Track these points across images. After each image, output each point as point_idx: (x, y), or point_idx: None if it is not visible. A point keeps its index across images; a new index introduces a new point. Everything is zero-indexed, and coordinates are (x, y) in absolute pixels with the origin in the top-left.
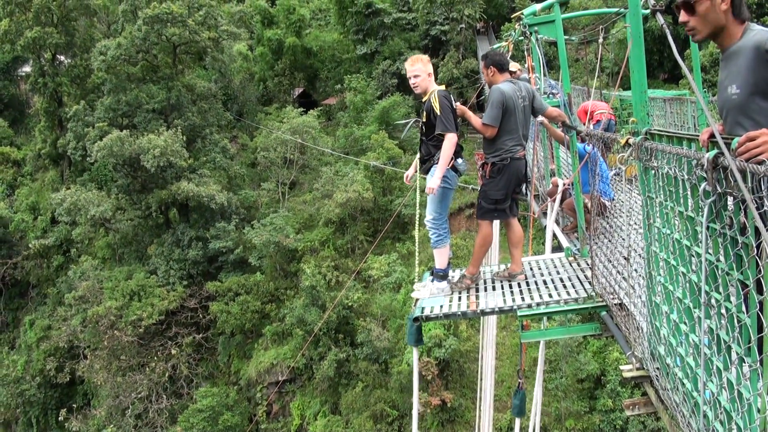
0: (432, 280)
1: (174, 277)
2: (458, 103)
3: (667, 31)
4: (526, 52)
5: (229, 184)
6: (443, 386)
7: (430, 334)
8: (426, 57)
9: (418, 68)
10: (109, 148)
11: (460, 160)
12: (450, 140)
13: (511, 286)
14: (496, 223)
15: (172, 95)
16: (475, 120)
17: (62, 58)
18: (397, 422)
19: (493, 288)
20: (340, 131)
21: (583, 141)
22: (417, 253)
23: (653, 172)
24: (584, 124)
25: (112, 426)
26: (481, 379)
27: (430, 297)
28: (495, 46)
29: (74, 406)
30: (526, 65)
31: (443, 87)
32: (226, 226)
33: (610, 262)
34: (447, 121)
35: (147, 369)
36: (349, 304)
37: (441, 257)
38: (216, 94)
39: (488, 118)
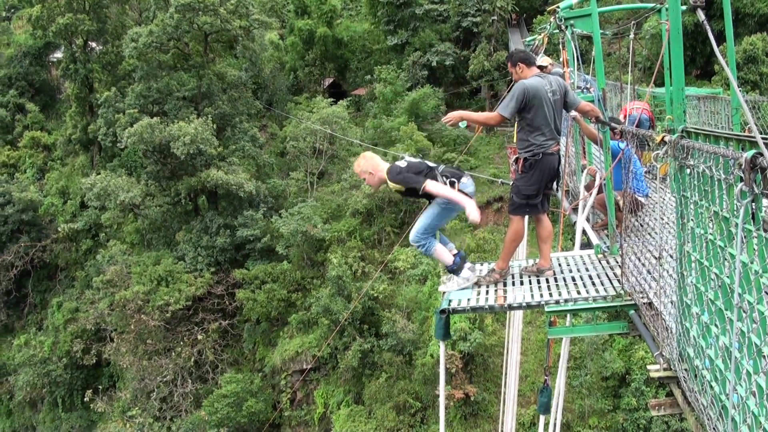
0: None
1: (201, 264)
2: (454, 113)
3: (708, 27)
4: (560, 46)
5: (257, 172)
6: (467, 380)
7: (456, 327)
8: (366, 154)
9: (361, 170)
10: (140, 135)
11: (464, 180)
12: (428, 186)
13: (539, 282)
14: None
15: (203, 83)
16: (477, 116)
17: (94, 44)
18: (420, 414)
19: (521, 283)
20: (369, 122)
21: (616, 138)
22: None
23: (688, 170)
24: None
25: (137, 408)
26: (505, 374)
27: (458, 289)
28: (527, 40)
29: (100, 387)
30: (560, 59)
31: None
32: (254, 215)
33: (640, 260)
34: (415, 183)
35: (173, 353)
36: (375, 295)
37: (442, 257)
38: (246, 82)
39: (501, 107)
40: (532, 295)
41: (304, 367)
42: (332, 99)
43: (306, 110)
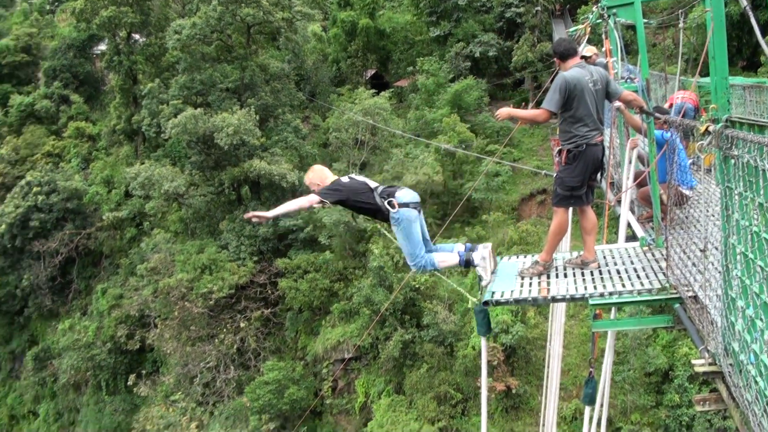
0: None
1: (244, 253)
2: (503, 110)
3: (752, 16)
4: (603, 36)
5: (300, 163)
6: (509, 372)
7: (498, 320)
8: (315, 167)
9: (310, 182)
10: (183, 126)
11: (398, 193)
12: (312, 198)
13: (583, 274)
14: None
15: (246, 75)
16: (525, 113)
17: (137, 36)
18: (460, 405)
19: (565, 275)
20: (411, 113)
21: (661, 128)
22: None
23: (733, 161)
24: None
25: (180, 393)
26: (547, 367)
27: (500, 280)
28: (570, 30)
29: (143, 372)
30: (603, 49)
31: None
32: None
33: (686, 253)
34: (323, 195)
35: (216, 340)
36: (416, 286)
37: (447, 262)
38: (289, 74)
39: (546, 102)
40: (576, 288)
41: (346, 356)
42: (374, 90)
43: (348, 101)
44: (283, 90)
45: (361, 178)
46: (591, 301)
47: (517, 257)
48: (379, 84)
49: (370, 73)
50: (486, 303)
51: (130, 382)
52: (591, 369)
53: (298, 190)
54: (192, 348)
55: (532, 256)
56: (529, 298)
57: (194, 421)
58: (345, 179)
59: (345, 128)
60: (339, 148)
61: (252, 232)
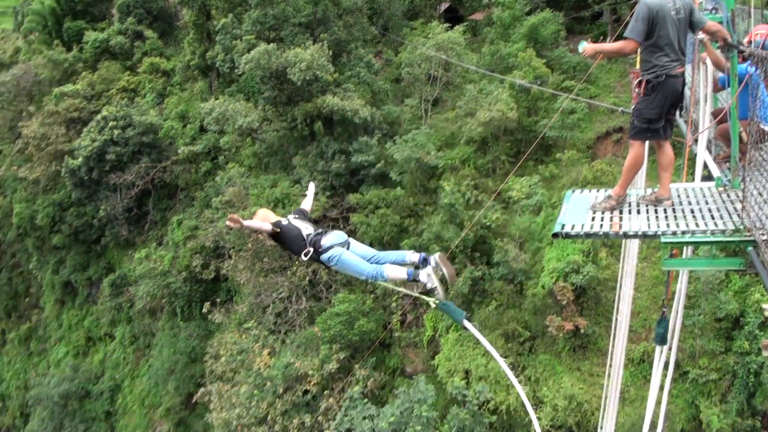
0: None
1: (317, 188)
2: (588, 46)
3: None
4: None
5: (372, 99)
6: (578, 312)
7: (568, 259)
8: (260, 211)
9: (259, 218)
10: (257, 61)
11: (323, 240)
12: (247, 223)
13: (656, 212)
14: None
15: (319, 9)
16: (611, 47)
17: None
18: (528, 343)
19: (638, 212)
20: (485, 48)
21: (745, 60)
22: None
23: None
24: None
25: (252, 321)
26: (617, 309)
27: (571, 214)
28: None
29: (217, 300)
30: None
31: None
32: (368, 141)
33: (762, 195)
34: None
35: (288, 272)
36: (487, 223)
37: (395, 275)
38: (362, 8)
39: (629, 31)
40: (649, 225)
41: (415, 290)
42: (448, 24)
43: (421, 36)
44: (356, 24)
45: (297, 223)
46: (663, 239)
47: (589, 191)
48: (453, 17)
49: (444, 6)
50: (555, 235)
51: (204, 310)
52: (663, 309)
53: (369, 126)
54: (265, 279)
55: (605, 190)
56: (600, 233)
57: (266, 348)
58: (284, 221)
59: (418, 63)
60: (411, 84)
61: (324, 168)
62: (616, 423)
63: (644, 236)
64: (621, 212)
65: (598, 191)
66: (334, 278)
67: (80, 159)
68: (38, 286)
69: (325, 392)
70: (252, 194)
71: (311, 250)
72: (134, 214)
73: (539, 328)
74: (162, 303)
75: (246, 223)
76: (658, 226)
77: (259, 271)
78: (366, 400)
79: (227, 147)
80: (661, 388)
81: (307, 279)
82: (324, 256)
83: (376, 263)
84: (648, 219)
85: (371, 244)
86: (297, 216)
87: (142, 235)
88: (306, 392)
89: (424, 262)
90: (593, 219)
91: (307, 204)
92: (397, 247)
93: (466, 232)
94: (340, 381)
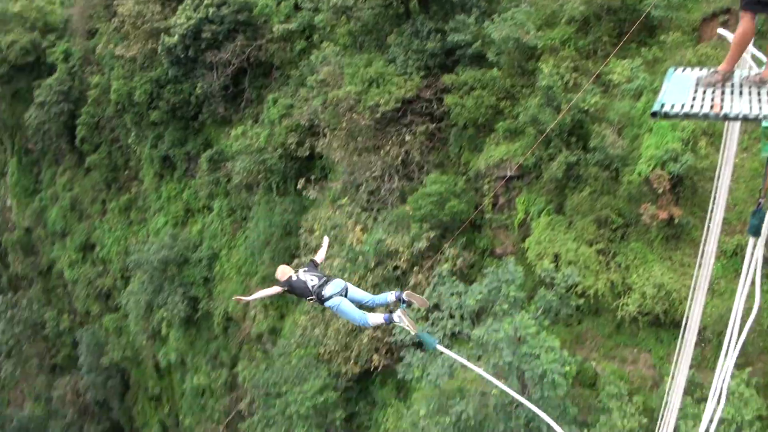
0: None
1: (411, 68)
2: None
3: None
4: None
5: None
6: (673, 202)
7: (667, 147)
8: (279, 268)
9: (277, 275)
10: None
11: (325, 290)
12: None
13: (759, 94)
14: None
15: None
16: None
17: None
18: (621, 230)
19: (741, 93)
20: None
21: None
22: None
23: None
24: None
25: (346, 198)
26: (713, 199)
27: (671, 93)
28: None
29: (312, 177)
30: None
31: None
32: (465, 19)
33: None
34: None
35: (381, 151)
36: (585, 107)
37: (375, 321)
38: None
39: None
40: (751, 108)
41: (508, 173)
42: None
43: None
44: None
45: (305, 276)
46: (765, 123)
47: (692, 69)
48: None
49: None
50: (654, 114)
51: (299, 186)
52: (760, 200)
53: (467, 3)
54: (358, 158)
55: (710, 68)
56: (700, 113)
57: (359, 224)
58: (294, 277)
59: None
60: None
61: (419, 47)
62: (704, 313)
63: (745, 119)
64: (723, 93)
65: (701, 69)
66: (427, 159)
67: (176, 37)
68: (137, 159)
69: (415, 268)
70: (346, 73)
71: (315, 298)
72: (230, 92)
73: (633, 216)
74: (258, 178)
75: (252, 297)
76: (761, 109)
77: (353, 149)
78: (454, 277)
79: (322, 25)
80: (753, 282)
81: (400, 159)
82: (326, 303)
83: (369, 306)
84: (750, 101)
85: (465, 126)
86: (307, 269)
87: (239, 113)
88: (396, 268)
89: (399, 300)
90: (694, 99)
91: (320, 256)
92: (492, 131)
93: (562, 115)
94: (429, 259)
